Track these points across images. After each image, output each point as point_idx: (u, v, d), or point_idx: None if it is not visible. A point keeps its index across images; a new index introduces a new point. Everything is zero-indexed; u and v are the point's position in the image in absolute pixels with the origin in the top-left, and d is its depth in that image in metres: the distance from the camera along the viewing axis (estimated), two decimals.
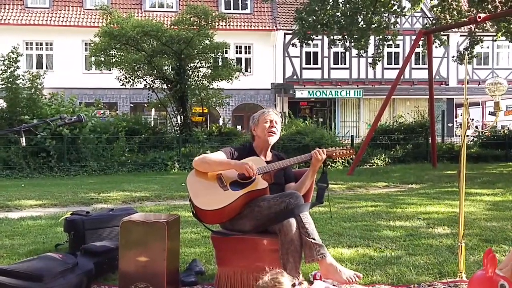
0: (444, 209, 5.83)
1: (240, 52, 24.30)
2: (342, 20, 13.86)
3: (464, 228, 3.19)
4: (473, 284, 2.46)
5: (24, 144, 2.68)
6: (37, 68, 20.50)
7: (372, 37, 15.11)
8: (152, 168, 12.76)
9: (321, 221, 4.98)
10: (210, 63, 15.89)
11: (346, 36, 14.41)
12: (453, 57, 17.04)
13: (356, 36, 13.98)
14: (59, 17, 22.89)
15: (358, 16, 13.90)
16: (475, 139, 15.68)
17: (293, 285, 2.00)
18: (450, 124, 23.79)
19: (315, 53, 24.45)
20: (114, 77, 16.01)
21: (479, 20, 9.49)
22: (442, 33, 15.48)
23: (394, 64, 24.28)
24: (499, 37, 15.07)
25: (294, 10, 14.83)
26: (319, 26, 13.81)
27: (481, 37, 15.55)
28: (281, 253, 2.69)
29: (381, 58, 15.45)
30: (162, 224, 2.80)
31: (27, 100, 12.66)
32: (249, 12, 24.34)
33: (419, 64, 24.14)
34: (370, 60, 15.95)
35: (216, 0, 24.09)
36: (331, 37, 14.65)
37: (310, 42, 14.76)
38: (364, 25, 13.78)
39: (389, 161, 13.73)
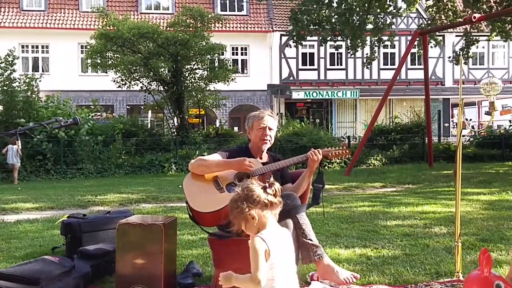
0: (441, 209, 5.85)
1: (237, 54, 24.30)
2: (336, 20, 13.89)
3: (461, 227, 3.20)
4: (468, 283, 2.46)
5: (20, 147, 2.68)
6: (33, 71, 20.46)
7: (368, 38, 15.13)
8: (149, 170, 12.75)
9: (318, 222, 4.98)
10: (207, 64, 15.89)
11: (339, 37, 14.45)
12: (449, 57, 17.10)
13: (349, 36, 14.01)
14: (55, 19, 22.83)
15: (354, 17, 13.93)
16: (471, 139, 15.73)
17: (264, 188, 2.02)
18: (446, 124, 23.87)
19: (311, 54, 24.47)
20: (110, 79, 15.99)
21: (474, 20, 9.53)
22: (437, 33, 15.53)
23: (390, 65, 24.33)
24: (493, 37, 15.14)
25: (290, 10, 14.87)
26: (312, 26, 13.84)
27: (477, 37, 15.61)
28: None
29: (375, 58, 15.49)
30: (159, 226, 2.80)
31: (23, 103, 12.64)
32: (245, 14, 24.35)
33: (415, 65, 24.17)
34: (365, 60, 15.98)
35: (212, 1, 24.09)
36: (325, 37, 14.67)
37: (305, 42, 14.80)
38: (358, 25, 13.79)
39: (386, 161, 13.77)
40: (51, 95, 13.79)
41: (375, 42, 14.79)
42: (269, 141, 3.10)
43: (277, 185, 2.03)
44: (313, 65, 24.60)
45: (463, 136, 15.61)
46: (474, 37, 15.43)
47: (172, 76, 15.10)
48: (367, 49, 15.58)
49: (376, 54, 15.52)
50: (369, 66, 16.54)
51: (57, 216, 5.76)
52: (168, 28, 15.17)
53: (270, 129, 3.09)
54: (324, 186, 2.99)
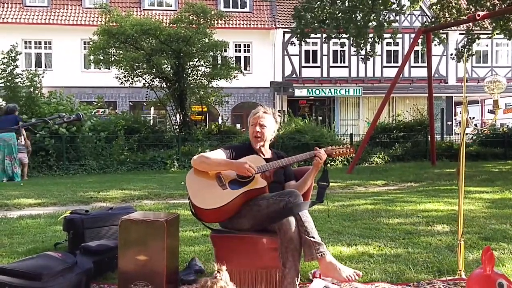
0: (443, 207, 5.84)
1: (239, 51, 24.28)
2: (340, 18, 13.84)
3: (463, 226, 3.19)
4: (471, 282, 2.46)
5: (23, 142, 2.68)
6: (36, 67, 20.47)
7: (371, 35, 15.08)
8: (151, 167, 12.76)
9: (321, 220, 4.98)
10: (209, 61, 15.87)
11: (343, 34, 14.41)
12: (451, 55, 17.06)
13: (354, 33, 13.96)
14: (58, 15, 22.86)
15: (357, 14, 13.88)
16: (474, 137, 15.69)
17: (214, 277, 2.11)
18: (449, 122, 23.83)
19: (314, 52, 24.43)
20: (113, 76, 15.97)
21: (478, 18, 9.48)
22: (441, 31, 15.47)
23: (393, 62, 24.29)
24: (494, 34, 15.08)
25: (293, 8, 14.83)
26: (316, 23, 13.80)
27: (478, 35, 15.56)
28: (281, 251, 2.69)
29: (374, 55, 15.40)
30: (162, 222, 2.80)
31: (25, 98, 12.64)
32: (248, 11, 24.32)
33: (418, 62, 24.14)
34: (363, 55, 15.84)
35: None
36: (329, 34, 14.63)
37: (308, 40, 14.75)
38: (362, 23, 13.74)
39: (388, 159, 13.74)
40: (53, 91, 13.79)
41: (375, 39, 14.74)
42: (260, 138, 3.07)
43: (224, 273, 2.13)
44: (316, 62, 24.58)
45: (466, 134, 15.60)
46: (476, 35, 15.38)
47: (174, 72, 15.08)
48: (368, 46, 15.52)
49: (376, 51, 15.41)
50: (367, 62, 16.46)
51: (59, 212, 5.77)
52: (170, 25, 15.15)
53: (261, 125, 3.07)
54: (329, 184, 2.98)
